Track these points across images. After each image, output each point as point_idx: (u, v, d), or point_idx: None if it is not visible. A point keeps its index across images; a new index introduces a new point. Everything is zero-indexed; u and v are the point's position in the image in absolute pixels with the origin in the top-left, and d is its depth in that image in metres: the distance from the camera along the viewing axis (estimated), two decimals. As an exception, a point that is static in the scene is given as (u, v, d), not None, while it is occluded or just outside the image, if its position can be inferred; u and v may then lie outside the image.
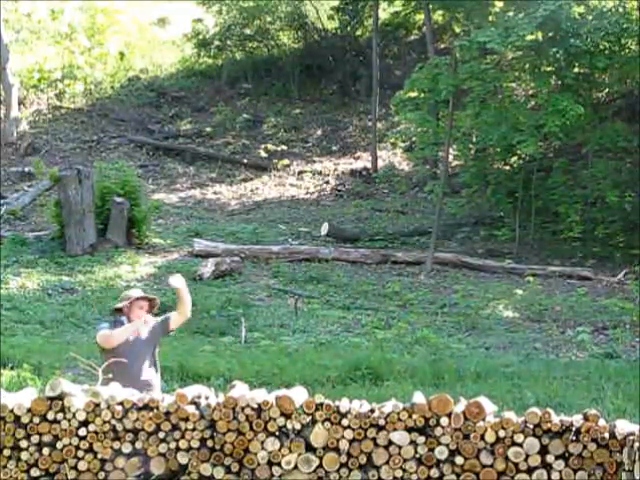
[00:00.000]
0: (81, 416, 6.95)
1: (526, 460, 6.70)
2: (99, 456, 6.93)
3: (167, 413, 6.92)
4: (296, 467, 6.81)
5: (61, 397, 6.97)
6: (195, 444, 6.87)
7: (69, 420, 6.94)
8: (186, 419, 6.90)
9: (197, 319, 18.36)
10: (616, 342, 17.42)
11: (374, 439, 6.78)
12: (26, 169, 28.64)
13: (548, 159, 26.51)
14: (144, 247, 23.10)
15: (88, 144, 31.41)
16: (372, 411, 6.85)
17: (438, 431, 6.74)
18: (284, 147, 31.91)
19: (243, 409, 6.85)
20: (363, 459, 6.78)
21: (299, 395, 6.99)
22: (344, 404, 6.87)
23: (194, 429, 6.89)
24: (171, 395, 7.12)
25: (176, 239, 24.24)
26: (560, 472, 6.67)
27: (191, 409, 6.92)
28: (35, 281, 20.22)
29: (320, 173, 30.62)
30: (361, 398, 7.26)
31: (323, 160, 31.38)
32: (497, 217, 26.36)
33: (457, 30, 32.31)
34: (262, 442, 6.83)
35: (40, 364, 14.47)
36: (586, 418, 6.72)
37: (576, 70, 24.79)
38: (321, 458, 6.79)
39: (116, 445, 6.93)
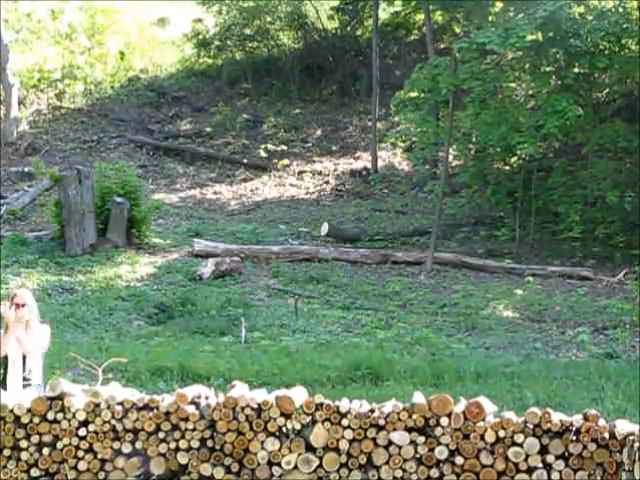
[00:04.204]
0: (81, 416, 6.96)
1: (526, 460, 6.70)
2: (99, 456, 6.94)
3: (167, 413, 6.93)
4: (296, 467, 6.82)
5: (61, 397, 6.98)
6: (195, 444, 6.88)
7: (69, 420, 6.95)
8: (186, 419, 6.90)
9: (197, 319, 18.39)
10: (616, 342, 17.41)
11: (374, 439, 6.79)
12: (26, 169, 28.62)
13: (548, 159, 26.49)
14: (144, 247, 23.09)
15: (88, 144, 31.41)
16: (372, 411, 6.86)
17: (438, 431, 6.75)
18: (284, 147, 31.91)
19: (243, 409, 6.86)
20: (363, 459, 6.79)
21: (299, 395, 6.99)
22: (344, 404, 6.88)
23: (194, 429, 6.89)
24: (171, 395, 7.13)
25: (176, 239, 24.24)
26: (560, 472, 6.67)
27: (191, 409, 6.92)
28: (35, 281, 20.21)
29: (320, 173, 30.62)
30: (361, 398, 7.27)
31: (323, 160, 31.38)
32: (497, 217, 26.34)
33: (457, 30, 32.31)
34: (262, 442, 6.84)
35: (40, 364, 14.45)
36: (586, 418, 6.73)
37: (576, 70, 24.77)
38: (321, 458, 6.80)
39: (116, 445, 6.93)
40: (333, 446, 6.79)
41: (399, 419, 6.77)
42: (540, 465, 6.70)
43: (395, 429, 6.77)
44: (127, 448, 6.93)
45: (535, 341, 17.65)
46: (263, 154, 31.50)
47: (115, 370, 13.02)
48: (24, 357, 8.74)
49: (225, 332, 17.65)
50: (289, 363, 15.01)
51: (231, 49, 35.90)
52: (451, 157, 26.99)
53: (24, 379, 8.74)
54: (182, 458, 6.89)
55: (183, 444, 6.89)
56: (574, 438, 6.68)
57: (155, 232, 24.19)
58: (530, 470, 6.70)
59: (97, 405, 6.97)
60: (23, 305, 8.84)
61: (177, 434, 6.91)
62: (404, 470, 6.75)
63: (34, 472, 6.94)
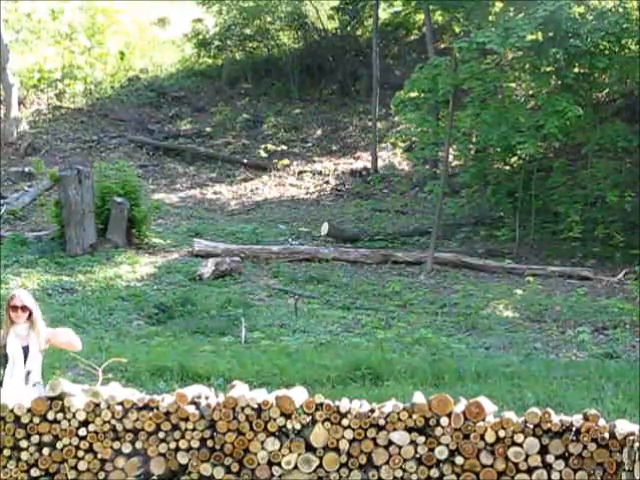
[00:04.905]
0: (81, 416, 6.95)
1: (526, 460, 6.70)
2: (99, 456, 6.94)
3: (167, 413, 6.92)
4: (296, 467, 6.82)
5: (61, 397, 6.97)
6: (195, 444, 6.88)
7: (69, 420, 6.95)
8: (186, 419, 6.90)
9: (197, 319, 18.38)
10: (616, 342, 17.40)
11: (374, 439, 6.79)
12: (26, 169, 28.64)
13: (548, 159, 26.49)
14: (144, 247, 23.09)
15: (88, 144, 31.42)
16: (372, 411, 6.85)
17: (438, 431, 6.75)
18: (284, 147, 31.91)
19: (243, 409, 6.86)
20: (363, 459, 6.78)
21: (299, 395, 6.99)
22: (344, 404, 6.88)
23: (194, 429, 6.89)
24: (171, 395, 7.13)
25: (176, 239, 24.23)
26: (560, 472, 6.67)
27: (191, 409, 6.92)
28: (35, 281, 20.21)
29: (320, 173, 30.62)
30: (361, 398, 7.26)
31: (323, 160, 31.39)
32: (497, 217, 26.35)
33: (457, 30, 32.31)
34: (262, 442, 6.84)
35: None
36: (586, 418, 6.72)
37: (576, 70, 24.77)
38: (321, 458, 6.80)
39: (116, 445, 6.93)
40: (333, 446, 6.79)
41: (399, 419, 6.77)
42: (540, 465, 6.70)
43: (395, 429, 6.77)
44: (127, 448, 6.93)
45: (535, 341, 17.64)
46: (263, 154, 31.51)
47: (115, 370, 13.02)
48: (25, 357, 8.68)
49: (225, 332, 17.65)
50: (289, 363, 15.00)
51: (231, 49, 35.92)
52: (451, 157, 26.99)
53: (25, 379, 8.70)
54: (182, 458, 6.89)
55: (183, 444, 6.89)
56: (574, 438, 6.67)
57: (155, 232, 24.19)
58: (530, 470, 6.70)
59: (97, 405, 6.97)
60: (21, 307, 8.64)
61: (177, 434, 6.90)
62: (404, 470, 6.75)
63: (34, 472, 6.94)
